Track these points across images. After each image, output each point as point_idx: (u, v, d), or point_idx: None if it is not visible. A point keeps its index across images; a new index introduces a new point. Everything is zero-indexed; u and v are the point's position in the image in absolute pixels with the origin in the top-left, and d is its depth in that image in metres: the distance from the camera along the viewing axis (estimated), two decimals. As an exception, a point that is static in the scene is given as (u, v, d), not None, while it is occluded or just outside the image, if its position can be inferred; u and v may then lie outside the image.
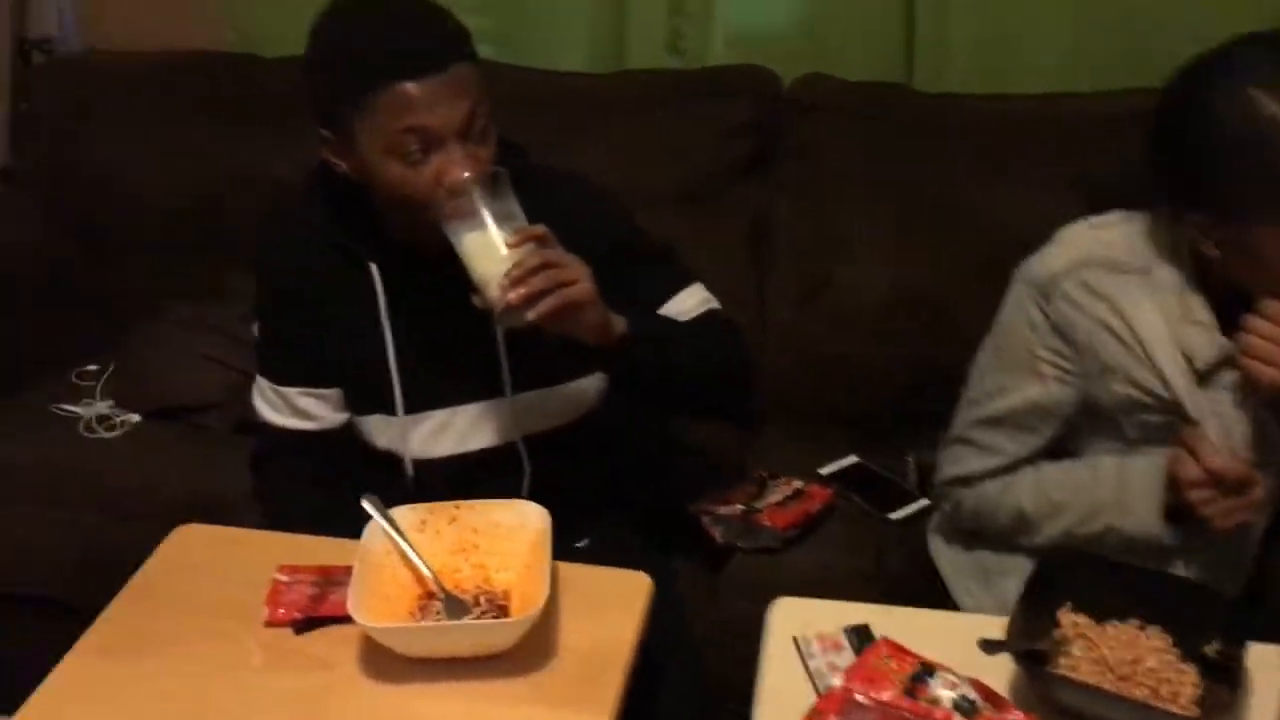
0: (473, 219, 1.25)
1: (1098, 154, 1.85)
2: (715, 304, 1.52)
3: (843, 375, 2.00)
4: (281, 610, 1.22)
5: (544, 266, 1.23)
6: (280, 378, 1.49)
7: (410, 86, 1.24)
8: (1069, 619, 1.15)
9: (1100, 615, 1.15)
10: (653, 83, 2.13)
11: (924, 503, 1.79)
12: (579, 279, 1.24)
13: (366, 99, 1.26)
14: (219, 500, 1.75)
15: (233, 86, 2.29)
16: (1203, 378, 1.29)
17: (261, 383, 1.52)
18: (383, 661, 1.15)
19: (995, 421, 1.40)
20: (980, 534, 1.48)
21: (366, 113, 1.27)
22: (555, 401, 1.49)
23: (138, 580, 1.29)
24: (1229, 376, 1.29)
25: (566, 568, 1.26)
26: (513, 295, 1.21)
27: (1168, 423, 1.31)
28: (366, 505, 1.24)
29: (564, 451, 1.51)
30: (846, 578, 1.66)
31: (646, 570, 1.37)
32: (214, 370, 2.03)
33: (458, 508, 1.25)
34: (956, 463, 1.45)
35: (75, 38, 2.45)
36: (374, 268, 1.42)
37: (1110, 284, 1.30)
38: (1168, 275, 1.30)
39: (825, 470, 1.89)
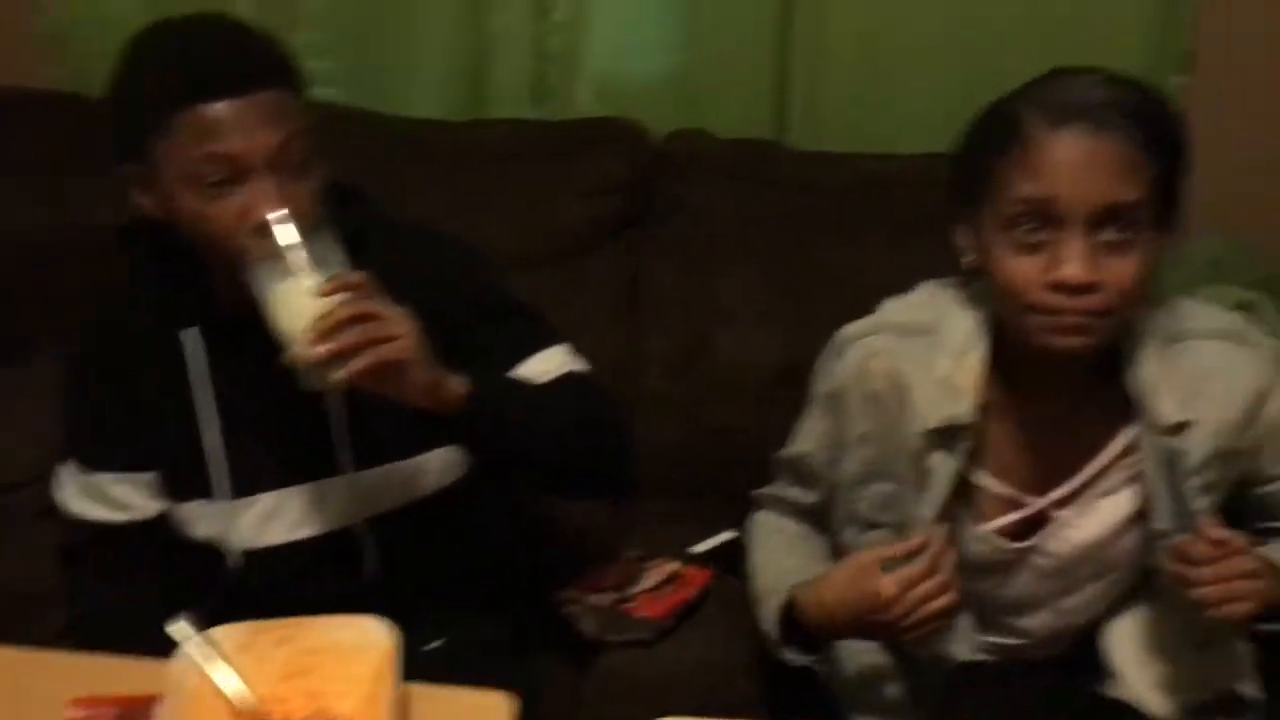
0: (280, 263, 1.11)
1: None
2: (580, 366, 1.39)
3: (723, 446, 1.90)
4: (74, 756, 1.03)
5: (358, 319, 1.09)
6: (91, 462, 1.32)
7: (214, 108, 1.13)
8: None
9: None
10: (515, 133, 2.00)
11: (805, 581, 1.68)
12: (400, 335, 1.11)
13: (167, 122, 1.14)
14: (22, 597, 1.54)
15: (58, 128, 2.07)
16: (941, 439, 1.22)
17: (70, 467, 1.34)
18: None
19: (782, 463, 1.45)
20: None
21: (166, 137, 1.15)
22: (400, 478, 1.35)
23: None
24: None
25: (416, 690, 1.11)
26: (318, 350, 1.07)
27: (899, 494, 1.26)
28: (177, 629, 1.06)
29: (412, 535, 1.37)
30: (726, 672, 1.54)
31: (506, 673, 1.24)
32: (22, 443, 1.81)
33: (287, 626, 1.08)
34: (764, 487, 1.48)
35: None
36: (194, 331, 1.27)
37: (895, 347, 1.26)
38: (955, 332, 1.24)
39: (697, 549, 1.77)
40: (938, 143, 1.97)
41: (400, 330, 1.11)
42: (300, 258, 1.11)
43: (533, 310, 1.41)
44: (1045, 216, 1.10)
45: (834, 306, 1.86)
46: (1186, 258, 2.04)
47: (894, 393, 1.25)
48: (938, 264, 1.57)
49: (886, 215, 1.89)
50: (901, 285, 1.50)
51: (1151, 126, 1.11)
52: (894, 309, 1.32)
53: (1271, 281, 2.00)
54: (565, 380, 1.35)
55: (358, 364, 1.08)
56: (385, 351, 1.09)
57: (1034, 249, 1.11)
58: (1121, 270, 1.09)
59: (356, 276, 1.12)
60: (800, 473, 1.41)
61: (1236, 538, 1.13)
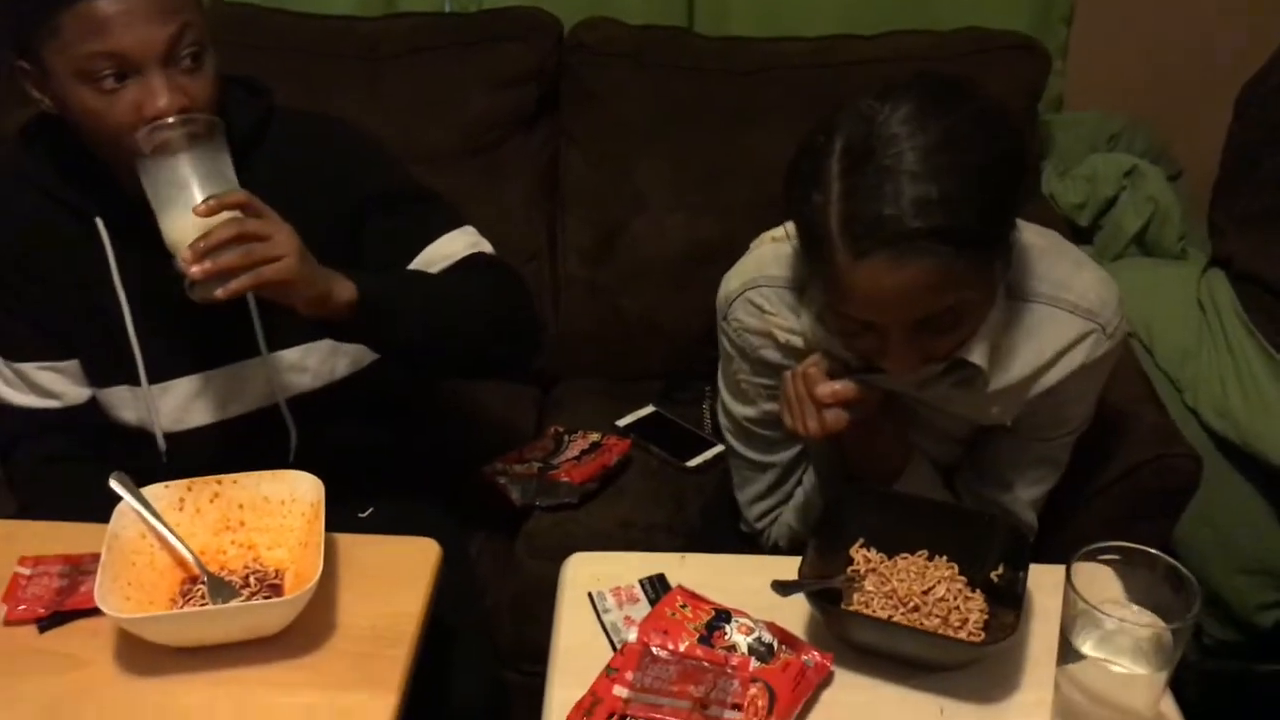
0: (170, 169, 1.12)
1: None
2: (486, 247, 1.42)
3: (641, 328, 1.97)
4: (23, 606, 1.10)
5: (239, 240, 1.11)
6: (12, 352, 1.35)
7: (101, 4, 1.13)
8: (860, 554, 1.15)
9: (890, 549, 1.15)
10: (423, 26, 2.01)
11: (719, 448, 1.78)
12: (282, 255, 1.12)
13: (53, 20, 1.13)
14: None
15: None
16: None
17: (-5, 359, 1.37)
18: (143, 656, 1.05)
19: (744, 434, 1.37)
20: None
21: (55, 36, 1.14)
22: (318, 357, 1.40)
23: None
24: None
25: (347, 539, 1.19)
26: (196, 269, 1.09)
27: None
28: (115, 485, 1.12)
29: (335, 413, 1.42)
30: (646, 531, 1.64)
31: (436, 537, 1.30)
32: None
33: (220, 482, 1.15)
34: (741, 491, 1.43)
35: None
36: (99, 222, 1.30)
37: (776, 300, 1.25)
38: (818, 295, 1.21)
39: (622, 422, 1.86)
40: (846, 24, 2.06)
41: (281, 250, 1.11)
42: (190, 168, 1.12)
43: (434, 195, 1.44)
44: (864, 323, 1.11)
45: (745, 190, 1.94)
46: (1089, 130, 2.15)
47: (787, 333, 1.27)
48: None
49: (795, 98, 1.94)
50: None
51: (962, 228, 1.02)
52: (768, 261, 1.28)
53: (1158, 152, 2.13)
54: (471, 261, 1.38)
55: (237, 284, 1.10)
56: (266, 273, 1.10)
57: (862, 334, 1.13)
58: (947, 343, 1.13)
59: (239, 195, 1.12)
60: (762, 433, 1.37)
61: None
